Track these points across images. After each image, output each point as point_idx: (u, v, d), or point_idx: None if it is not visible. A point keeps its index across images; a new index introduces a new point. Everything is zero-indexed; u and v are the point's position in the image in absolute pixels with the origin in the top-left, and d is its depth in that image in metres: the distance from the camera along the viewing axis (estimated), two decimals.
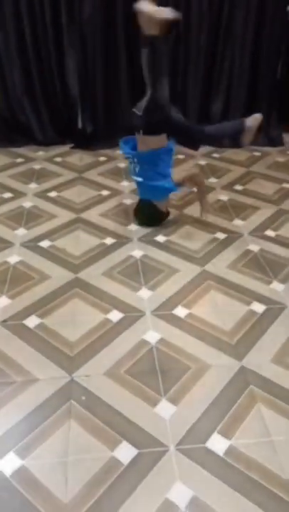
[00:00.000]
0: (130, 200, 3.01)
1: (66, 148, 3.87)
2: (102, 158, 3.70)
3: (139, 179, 2.57)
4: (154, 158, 2.48)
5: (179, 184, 2.55)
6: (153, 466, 1.42)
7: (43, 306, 2.08)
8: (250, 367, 1.77)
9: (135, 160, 2.56)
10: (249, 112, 3.90)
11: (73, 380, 1.71)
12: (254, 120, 2.59)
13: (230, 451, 1.47)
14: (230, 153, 3.83)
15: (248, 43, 3.70)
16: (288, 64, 3.88)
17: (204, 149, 3.82)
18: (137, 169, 2.57)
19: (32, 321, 1.99)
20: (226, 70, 3.81)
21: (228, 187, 3.24)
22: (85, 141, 3.86)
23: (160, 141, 2.48)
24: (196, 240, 2.59)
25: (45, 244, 2.54)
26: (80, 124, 3.90)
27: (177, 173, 2.63)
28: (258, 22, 3.64)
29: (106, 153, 3.79)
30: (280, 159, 3.74)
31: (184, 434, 1.51)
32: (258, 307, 2.09)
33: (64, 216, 2.83)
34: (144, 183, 2.56)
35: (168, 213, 2.74)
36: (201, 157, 3.72)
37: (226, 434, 1.52)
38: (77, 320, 2.00)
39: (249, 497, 1.35)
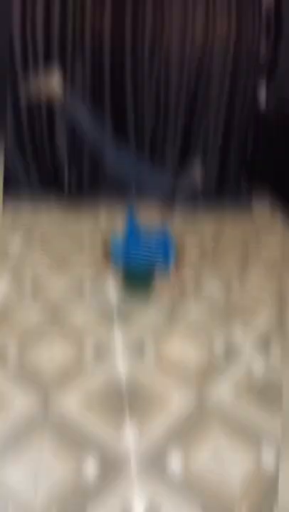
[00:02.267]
0: None
1: (52, 204, 4.08)
2: (86, 215, 3.93)
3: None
4: None
5: None
6: (116, 480, 1.46)
7: None
8: (208, 398, 1.86)
9: None
10: (221, 185, 4.30)
11: (46, 406, 1.75)
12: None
13: (186, 471, 1.52)
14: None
15: (221, 116, 4.15)
16: (256, 145, 4.31)
17: None
18: None
19: None
20: (200, 140, 4.20)
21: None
22: (71, 199, 4.10)
23: None
24: None
25: None
26: (66, 179, 4.15)
27: None
28: (230, 97, 4.11)
29: (91, 210, 4.02)
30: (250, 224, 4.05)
31: (145, 456, 1.56)
32: (218, 347, 2.21)
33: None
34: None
35: None
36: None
37: (183, 456, 1.57)
38: (51, 353, 2.07)
39: (204, 508, 1.39)
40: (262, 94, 4.17)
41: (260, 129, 4.27)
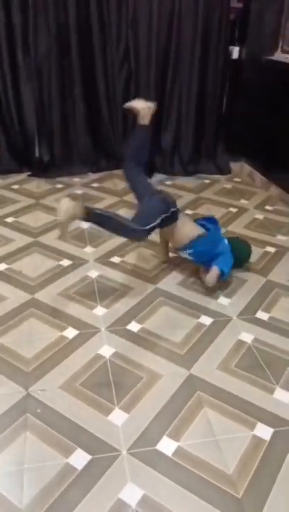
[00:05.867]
0: (86, 224, 3.13)
1: (23, 176, 3.98)
2: (59, 186, 3.83)
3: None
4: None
5: None
6: (106, 470, 1.49)
7: None
8: (197, 374, 1.89)
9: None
10: (198, 143, 4.21)
11: (29, 394, 1.77)
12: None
13: (179, 451, 1.57)
14: (182, 180, 4.06)
15: (194, 80, 4.00)
16: (232, 98, 4.19)
17: (157, 178, 4.05)
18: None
19: None
20: (174, 105, 4.07)
21: None
22: (42, 169, 3.99)
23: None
24: (149, 261, 2.73)
25: (1, 267, 2.60)
26: (37, 153, 4.02)
27: None
28: (202, 60, 3.94)
29: (63, 181, 3.93)
30: (228, 186, 4.00)
31: (136, 439, 1.60)
32: (206, 320, 2.23)
33: (21, 240, 2.91)
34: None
35: None
36: (155, 184, 3.92)
37: (175, 436, 1.62)
38: (33, 338, 2.07)
39: (196, 492, 1.44)
40: (235, 50, 4.00)
41: (235, 86, 4.14)
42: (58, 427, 1.63)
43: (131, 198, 3.58)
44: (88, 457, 1.53)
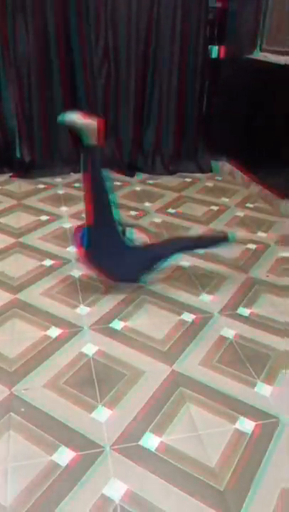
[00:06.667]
0: (69, 224, 3.14)
1: (5, 177, 3.95)
2: (41, 186, 3.82)
3: None
4: None
5: None
6: (90, 466, 1.51)
7: None
8: (180, 370, 1.92)
9: None
10: (179, 142, 4.23)
11: (13, 393, 1.77)
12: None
13: (162, 446, 1.59)
14: (164, 179, 4.09)
15: (174, 80, 4.02)
16: (212, 98, 4.22)
17: (139, 176, 4.07)
18: None
19: None
20: (155, 105, 4.09)
21: (162, 210, 3.46)
22: (24, 170, 3.97)
23: None
24: None
25: None
26: (18, 154, 4.00)
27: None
28: (182, 60, 3.97)
29: (45, 181, 3.92)
30: (209, 184, 4.05)
31: (119, 435, 1.62)
32: (188, 317, 2.26)
33: (3, 241, 2.89)
34: None
35: None
36: (137, 183, 3.95)
37: (158, 432, 1.64)
38: (16, 338, 2.07)
39: (180, 486, 1.46)
40: (214, 49, 4.04)
41: (214, 85, 4.18)
42: (41, 425, 1.64)
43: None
44: (72, 454, 1.54)
